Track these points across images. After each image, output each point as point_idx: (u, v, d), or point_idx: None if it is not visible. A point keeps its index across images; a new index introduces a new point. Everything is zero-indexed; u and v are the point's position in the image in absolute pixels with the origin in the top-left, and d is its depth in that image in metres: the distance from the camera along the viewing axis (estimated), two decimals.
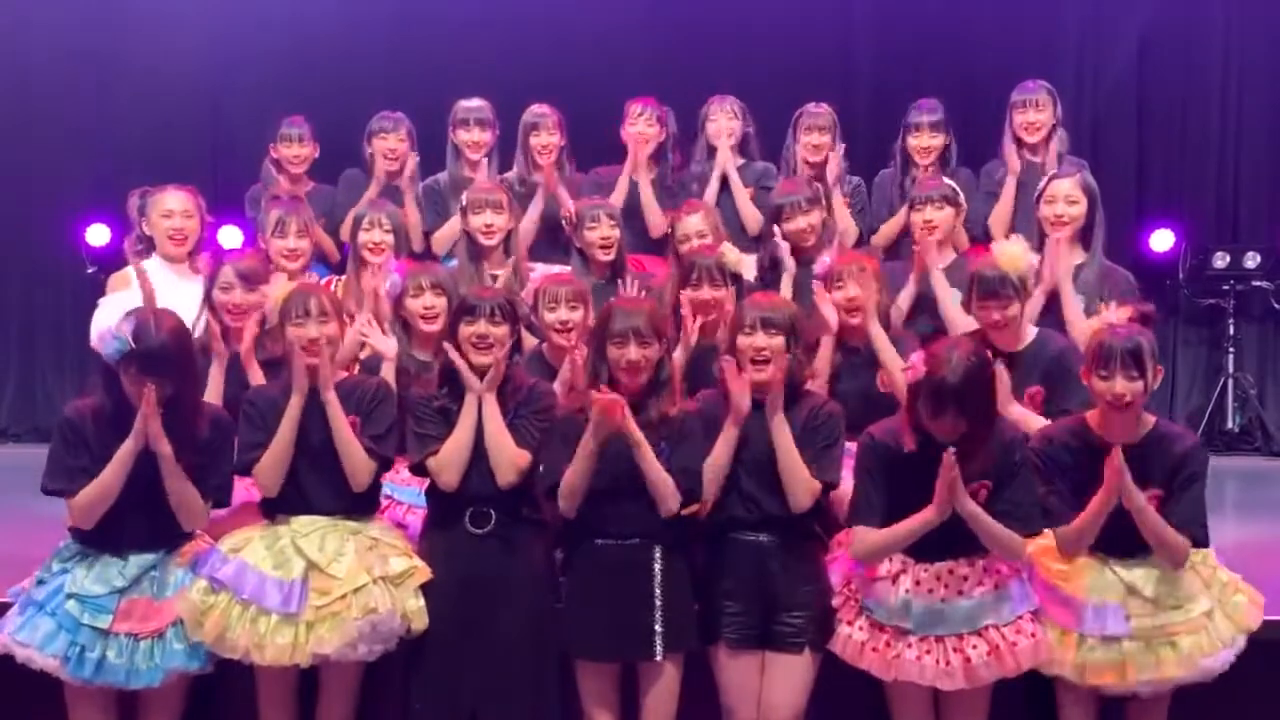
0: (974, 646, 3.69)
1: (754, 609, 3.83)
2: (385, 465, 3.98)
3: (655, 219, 5.90)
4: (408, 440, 3.94)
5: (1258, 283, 7.99)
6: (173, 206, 5.12)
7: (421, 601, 3.84)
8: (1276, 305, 8.02)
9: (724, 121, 6.08)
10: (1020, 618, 3.73)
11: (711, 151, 6.11)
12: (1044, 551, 3.82)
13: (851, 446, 3.91)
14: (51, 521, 3.99)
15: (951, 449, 3.56)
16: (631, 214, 5.86)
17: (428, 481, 3.98)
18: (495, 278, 5.16)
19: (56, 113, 7.97)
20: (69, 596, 3.74)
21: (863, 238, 5.88)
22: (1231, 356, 7.96)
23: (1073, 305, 4.76)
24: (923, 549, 3.74)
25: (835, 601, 3.85)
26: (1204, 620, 3.76)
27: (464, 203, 5.40)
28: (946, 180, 5.35)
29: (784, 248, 5.19)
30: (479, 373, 3.87)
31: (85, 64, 7.96)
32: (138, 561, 3.79)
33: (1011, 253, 4.14)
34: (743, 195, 5.98)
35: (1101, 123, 7.91)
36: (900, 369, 4.08)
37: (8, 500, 5.81)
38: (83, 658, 3.70)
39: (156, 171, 5.79)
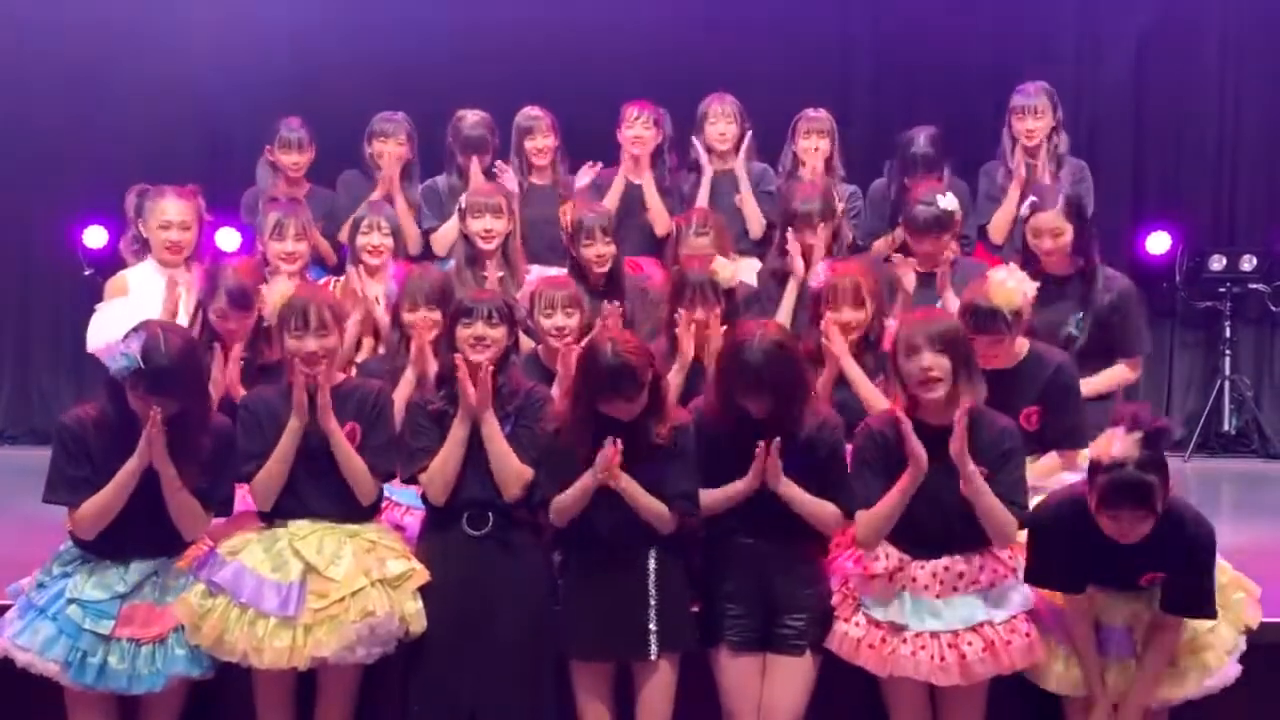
0: (969, 643, 3.70)
1: (756, 611, 3.83)
2: (389, 477, 3.98)
3: (661, 220, 5.91)
4: (400, 452, 3.94)
5: (1254, 285, 7.96)
6: (171, 217, 5.06)
7: (420, 604, 3.83)
8: (1273, 308, 8.00)
9: (724, 125, 6.06)
10: (1015, 617, 3.74)
11: (710, 152, 6.09)
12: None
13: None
14: (50, 523, 3.97)
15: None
16: (627, 215, 5.87)
17: None
18: (485, 279, 5.13)
19: (54, 114, 7.94)
20: (70, 602, 3.72)
21: (857, 245, 5.85)
22: (1228, 359, 7.93)
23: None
24: (920, 545, 3.75)
25: (834, 600, 3.86)
26: (1210, 638, 3.77)
27: (463, 205, 5.40)
28: (943, 206, 5.00)
29: (795, 249, 5.11)
30: (475, 369, 3.87)
31: (83, 66, 7.92)
32: (139, 567, 3.77)
33: (1006, 287, 4.13)
34: (749, 199, 5.98)
35: (1098, 125, 7.88)
36: (878, 402, 4.16)
37: (5, 502, 5.79)
38: (84, 663, 3.68)
39: (154, 173, 5.76)
